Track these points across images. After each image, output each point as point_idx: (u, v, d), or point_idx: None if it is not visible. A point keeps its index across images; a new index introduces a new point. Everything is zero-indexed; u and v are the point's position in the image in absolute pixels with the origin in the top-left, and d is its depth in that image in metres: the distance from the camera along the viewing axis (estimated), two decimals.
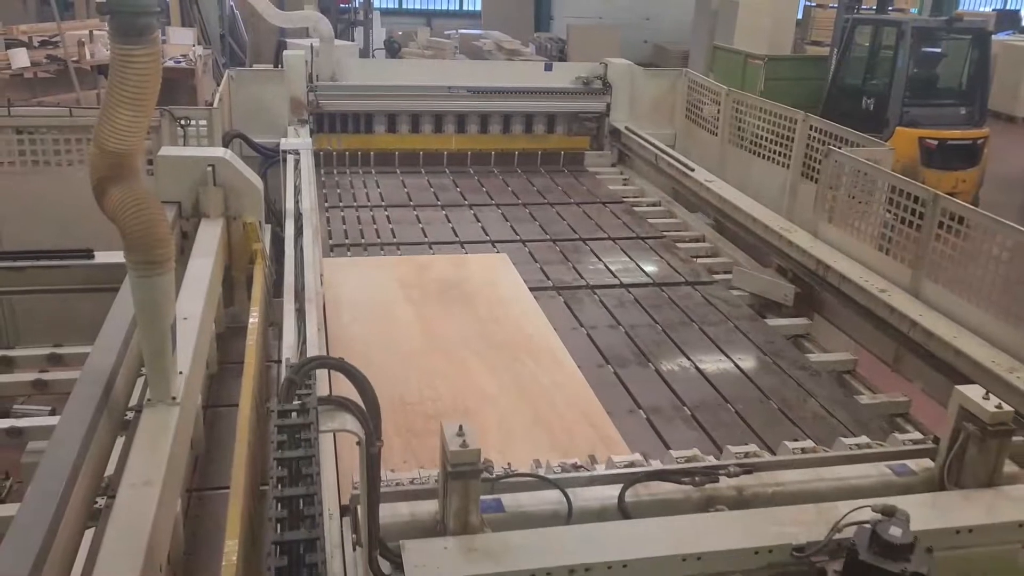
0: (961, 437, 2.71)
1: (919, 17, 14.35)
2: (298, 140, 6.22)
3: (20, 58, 9.27)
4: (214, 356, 3.77)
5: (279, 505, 1.81)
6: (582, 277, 5.07)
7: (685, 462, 2.82)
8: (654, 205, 6.67)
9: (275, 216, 5.43)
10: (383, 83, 7.29)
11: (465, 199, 6.41)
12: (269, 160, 6.33)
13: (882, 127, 10.53)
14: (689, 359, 4.19)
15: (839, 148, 5.08)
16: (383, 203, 6.25)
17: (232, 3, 14.34)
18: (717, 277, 5.26)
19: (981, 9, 23.48)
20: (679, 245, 5.74)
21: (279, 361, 3.35)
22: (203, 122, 5.76)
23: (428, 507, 2.43)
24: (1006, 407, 2.64)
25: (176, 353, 2.65)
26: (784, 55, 14.86)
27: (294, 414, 2.07)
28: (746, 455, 2.86)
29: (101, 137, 2.32)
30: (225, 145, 5.73)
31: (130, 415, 2.94)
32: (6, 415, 4.24)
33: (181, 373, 2.69)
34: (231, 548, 2.14)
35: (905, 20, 11.50)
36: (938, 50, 11.53)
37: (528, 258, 5.30)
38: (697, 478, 2.71)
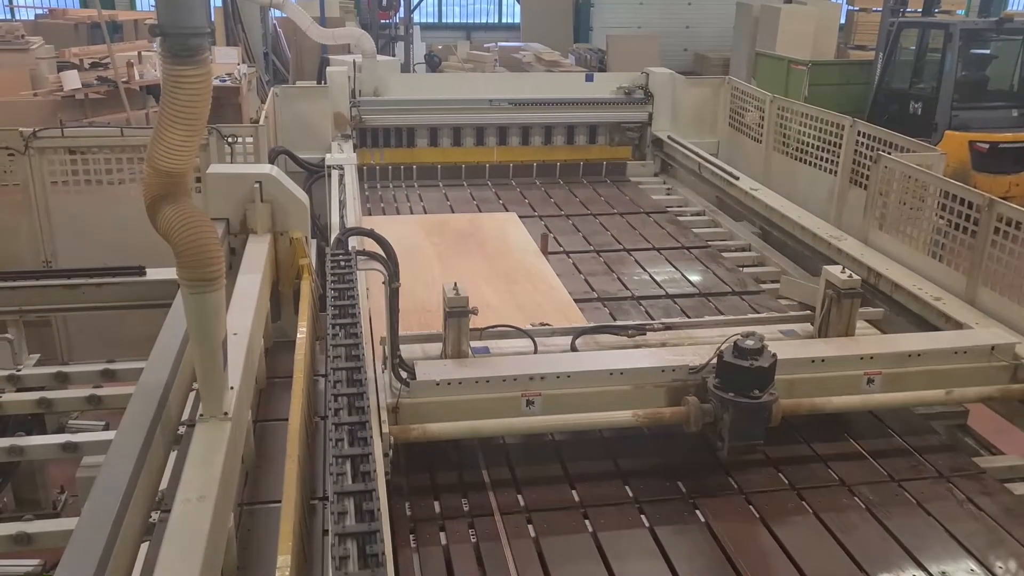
0: (826, 302, 3.78)
1: (967, 19, 14.09)
2: (342, 155, 6.29)
3: (72, 80, 9.48)
4: (263, 371, 3.80)
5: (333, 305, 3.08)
6: (627, 288, 5.03)
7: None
8: (698, 214, 6.61)
9: (321, 231, 5.48)
10: (425, 97, 7.34)
11: (508, 211, 6.40)
12: (314, 175, 6.40)
13: (930, 131, 10.34)
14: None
15: (888, 153, 4.99)
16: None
17: (275, 22, 14.55)
18: (764, 287, 5.18)
19: None
20: (724, 255, 5.67)
21: (326, 375, 3.46)
22: (249, 139, 5.84)
23: (435, 348, 3.53)
24: (855, 277, 3.74)
25: (227, 368, 2.67)
26: (828, 60, 14.69)
27: (341, 257, 3.37)
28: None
29: (154, 157, 2.35)
30: (271, 161, 5.80)
31: (183, 430, 2.97)
32: (61, 430, 4.33)
33: (232, 388, 2.71)
34: (283, 563, 2.13)
35: (953, 22, 11.29)
36: (987, 52, 11.30)
37: (572, 269, 5.27)
38: (630, 331, 3.89)
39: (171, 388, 2.79)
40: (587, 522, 3.06)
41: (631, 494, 3.22)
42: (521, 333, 3.77)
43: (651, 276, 5.22)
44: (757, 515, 3.12)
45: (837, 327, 3.74)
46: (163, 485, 2.73)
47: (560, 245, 5.66)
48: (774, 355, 3.18)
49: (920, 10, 12.53)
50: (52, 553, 3.20)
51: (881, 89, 11.72)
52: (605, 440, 3.51)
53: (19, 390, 4.22)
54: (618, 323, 4.08)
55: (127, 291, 4.33)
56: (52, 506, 4.69)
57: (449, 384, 3.22)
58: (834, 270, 3.79)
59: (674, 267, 5.37)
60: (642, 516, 3.10)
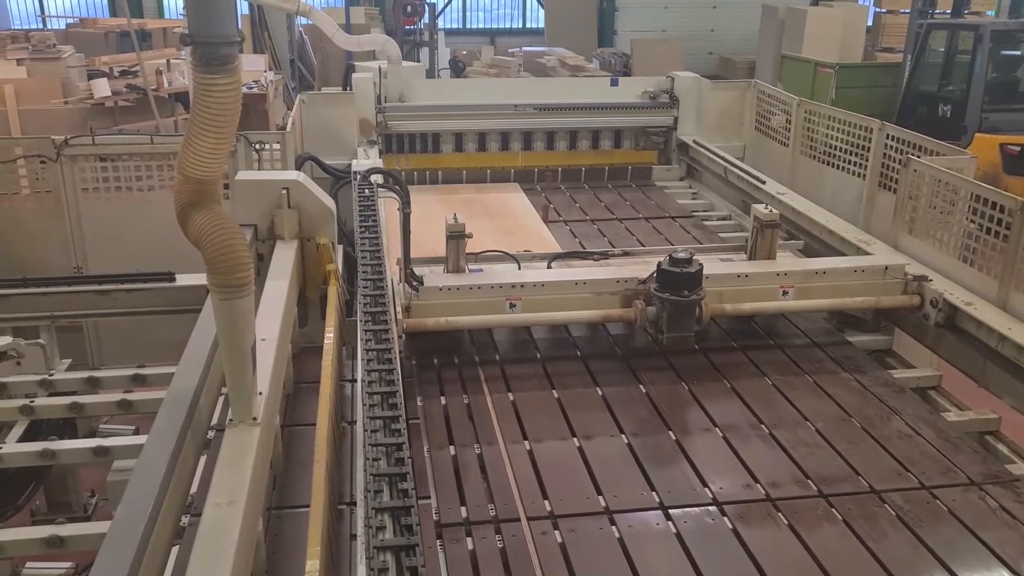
0: (754, 232, 4.64)
1: (997, 20, 13.91)
2: (368, 161, 6.32)
3: (102, 88, 9.62)
4: (290, 376, 3.82)
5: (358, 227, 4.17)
6: None
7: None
8: (724, 219, 6.56)
9: (347, 237, 5.50)
10: (450, 103, 7.35)
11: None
12: (340, 181, 6.43)
13: (960, 134, 10.21)
14: (766, 376, 4.10)
15: (918, 157, 4.93)
16: None
17: (301, 29, 14.67)
18: None
19: None
20: None
21: (353, 380, 3.54)
22: (276, 146, 5.88)
23: (438, 268, 4.44)
24: (774, 211, 4.65)
25: (256, 374, 2.69)
26: (855, 63, 14.58)
27: (365, 186, 4.61)
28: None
29: (184, 164, 2.36)
30: (298, 168, 5.84)
31: (212, 434, 3.00)
32: (93, 434, 4.38)
33: (261, 393, 2.73)
34: (312, 567, 2.15)
35: (983, 23, 11.16)
36: (1018, 53, 11.15)
37: None
38: (596, 256, 5.15)
39: (201, 393, 2.82)
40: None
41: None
42: (509, 258, 4.90)
43: None
44: (786, 521, 3.09)
45: (762, 252, 4.60)
46: (193, 489, 2.76)
47: (585, 249, 5.64)
48: (700, 264, 4.07)
49: (949, 11, 12.40)
50: (84, 556, 3.24)
51: (909, 92, 11.61)
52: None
53: (51, 395, 4.27)
54: (586, 250, 5.36)
55: (157, 297, 4.38)
56: (83, 509, 4.75)
57: (449, 290, 4.13)
58: (759, 207, 4.69)
59: None
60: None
